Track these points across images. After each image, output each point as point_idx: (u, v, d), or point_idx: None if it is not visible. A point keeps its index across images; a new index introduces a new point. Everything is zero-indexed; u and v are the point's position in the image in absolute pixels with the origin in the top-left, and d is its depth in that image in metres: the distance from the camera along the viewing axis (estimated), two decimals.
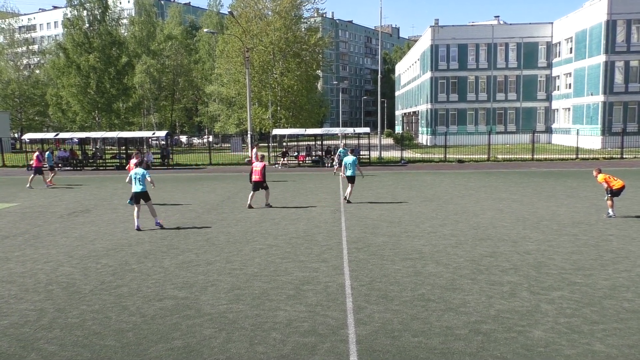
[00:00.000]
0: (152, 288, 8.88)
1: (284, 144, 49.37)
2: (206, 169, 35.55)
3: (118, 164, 38.54)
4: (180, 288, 8.85)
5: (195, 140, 77.53)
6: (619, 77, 46.08)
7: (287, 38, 52.85)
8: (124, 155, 39.65)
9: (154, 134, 43.08)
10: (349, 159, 18.20)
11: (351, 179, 18.15)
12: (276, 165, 36.77)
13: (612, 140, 42.42)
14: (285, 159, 37.22)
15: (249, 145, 40.72)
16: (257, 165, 17.43)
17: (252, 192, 17.57)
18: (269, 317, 7.44)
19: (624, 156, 36.66)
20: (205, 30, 59.65)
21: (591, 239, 11.98)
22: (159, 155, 40.33)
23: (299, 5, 54.95)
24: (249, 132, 40.82)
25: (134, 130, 60.42)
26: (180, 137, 77.98)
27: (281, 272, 9.72)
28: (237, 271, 9.80)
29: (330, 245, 11.75)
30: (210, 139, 67.54)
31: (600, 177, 14.64)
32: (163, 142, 49.30)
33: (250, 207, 17.30)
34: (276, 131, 41.03)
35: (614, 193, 14.53)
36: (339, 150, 31.04)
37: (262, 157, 18.14)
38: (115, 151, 45.95)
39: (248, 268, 10.00)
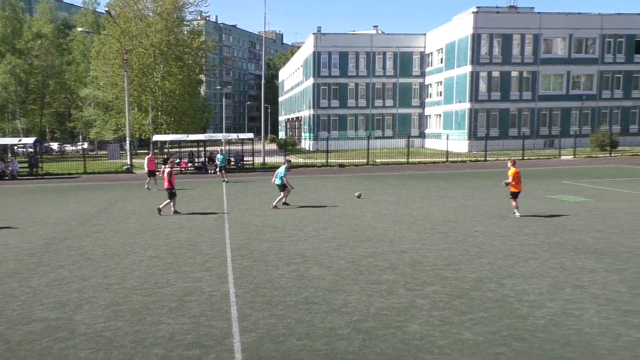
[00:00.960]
0: (18, 311, 8.20)
1: (166, 150, 47.82)
2: (80, 178, 33.41)
3: None
4: (51, 308, 8.26)
5: (69, 148, 72.52)
6: (482, 86, 50.16)
7: (168, 40, 51.39)
8: None
9: (20, 140, 39.74)
10: (281, 169, 18.29)
11: (280, 187, 18.26)
12: (157, 173, 35.46)
13: (477, 145, 46.08)
14: (167, 165, 35.99)
15: (128, 152, 38.94)
16: (164, 173, 17.67)
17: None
18: (151, 332, 7.19)
19: (488, 159, 39.98)
20: (79, 29, 56.10)
21: (460, 236, 12.94)
22: (27, 164, 37.21)
23: (181, 7, 53.66)
24: (127, 139, 39.01)
25: None
26: (51, 144, 72.50)
27: (163, 284, 9.43)
28: (115, 286, 9.35)
29: (214, 254, 11.60)
30: (85, 145, 63.51)
31: (513, 170, 15.40)
32: (31, 150, 45.54)
33: (172, 212, 17.34)
34: (157, 137, 39.64)
35: (513, 195, 15.43)
36: (217, 156, 30.50)
37: (171, 162, 19.11)
38: None
39: (127, 282, 9.58)
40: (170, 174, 17.31)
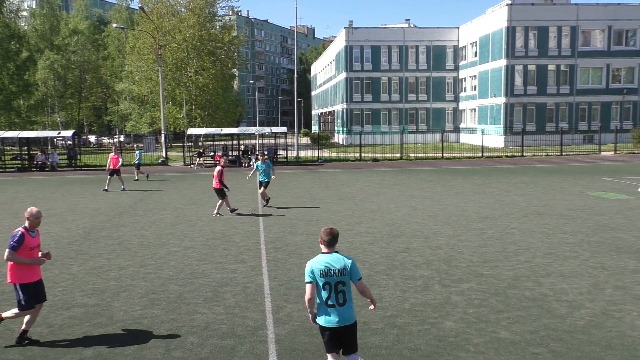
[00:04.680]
0: (60, 296, 8.42)
1: (200, 143, 48.41)
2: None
3: (20, 165, 36.18)
4: (90, 295, 8.45)
5: (105, 140, 74.09)
6: (518, 80, 49.12)
7: (201, 35, 51.93)
8: (26, 156, 37.28)
9: (59, 133, 40.83)
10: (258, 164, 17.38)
11: (266, 184, 17.17)
12: (192, 166, 36.00)
13: (513, 140, 45.16)
14: (201, 159, 36.49)
15: (163, 145, 39.57)
16: (215, 171, 15.84)
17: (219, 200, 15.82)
18: (186, 321, 7.28)
19: (524, 154, 39.19)
20: (114, 25, 57.02)
21: (496, 232, 12.70)
22: (66, 156, 38.22)
23: (213, 2, 54.19)
24: (162, 132, 39.64)
25: (37, 130, 56.79)
26: (89, 136, 74.23)
27: (198, 274, 9.54)
28: (152, 275, 9.50)
29: (248, 246, 11.67)
30: (122, 138, 64.79)
31: None
32: (70, 142, 46.69)
33: (218, 214, 15.62)
34: (191, 131, 40.15)
35: None
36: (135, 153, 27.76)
37: (224, 159, 16.90)
38: (16, 152, 42.97)
39: (163, 271, 9.73)
40: (221, 172, 15.57)
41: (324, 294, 5.02)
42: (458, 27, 59.03)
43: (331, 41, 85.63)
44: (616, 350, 6.18)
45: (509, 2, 49.52)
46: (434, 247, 11.34)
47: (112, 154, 22.97)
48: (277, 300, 8.08)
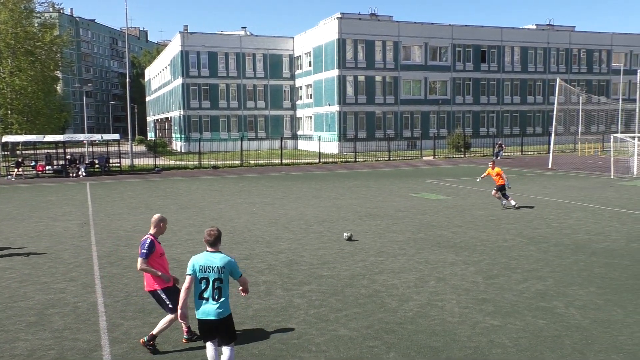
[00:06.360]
0: None
1: (18, 152, 43.63)
2: None
3: None
4: None
5: None
6: (350, 90, 52.17)
7: (16, 33, 47.08)
8: None
9: None
10: None
11: None
12: (9, 177, 32.29)
13: (347, 146, 47.85)
14: (20, 169, 32.85)
15: None
16: None
17: None
18: (5, 350, 6.54)
19: (357, 160, 41.69)
20: None
21: (334, 235, 13.32)
22: None
23: None
24: None
25: None
26: None
27: (19, 297, 8.60)
28: None
29: (79, 262, 10.81)
30: None
31: (497, 169, 17.00)
32: None
33: None
34: (7, 138, 36.01)
35: (500, 188, 16.85)
36: None
37: None
38: None
39: None
40: None
41: (200, 288, 5.58)
42: (293, 37, 60.95)
43: (166, 45, 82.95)
44: (439, 337, 6.85)
45: (339, 15, 52.42)
46: (276, 252, 11.54)
47: None
48: (113, 318, 7.60)
